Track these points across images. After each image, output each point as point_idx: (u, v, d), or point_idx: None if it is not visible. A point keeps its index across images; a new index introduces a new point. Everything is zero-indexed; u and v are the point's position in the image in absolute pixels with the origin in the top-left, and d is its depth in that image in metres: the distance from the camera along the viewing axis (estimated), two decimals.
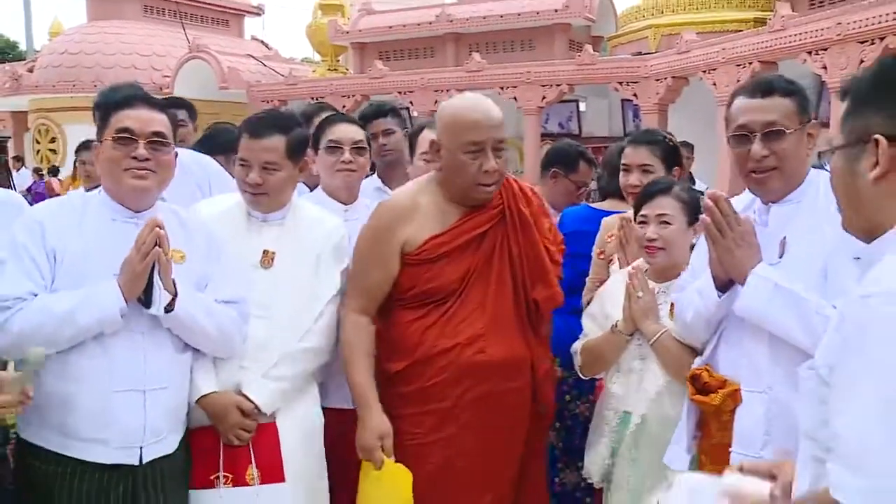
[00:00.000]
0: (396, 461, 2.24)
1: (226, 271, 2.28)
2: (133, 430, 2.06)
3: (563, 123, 11.72)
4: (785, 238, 1.99)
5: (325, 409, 2.46)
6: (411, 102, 11.12)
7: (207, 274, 2.25)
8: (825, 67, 7.03)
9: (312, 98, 11.10)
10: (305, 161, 2.50)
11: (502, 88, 10.52)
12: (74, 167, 7.76)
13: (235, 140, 2.46)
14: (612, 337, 2.43)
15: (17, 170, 14.04)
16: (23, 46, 24.68)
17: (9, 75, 14.43)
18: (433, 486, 2.22)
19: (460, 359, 2.26)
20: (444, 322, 2.29)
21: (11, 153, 15.67)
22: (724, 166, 7.22)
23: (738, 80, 7.20)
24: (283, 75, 13.21)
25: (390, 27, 12.82)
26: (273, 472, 2.26)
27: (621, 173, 2.89)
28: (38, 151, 14.15)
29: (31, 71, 14.53)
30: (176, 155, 2.23)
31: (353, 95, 11.69)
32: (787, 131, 1.97)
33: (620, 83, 9.82)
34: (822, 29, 7.01)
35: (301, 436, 2.35)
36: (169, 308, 2.07)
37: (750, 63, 7.88)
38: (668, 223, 2.38)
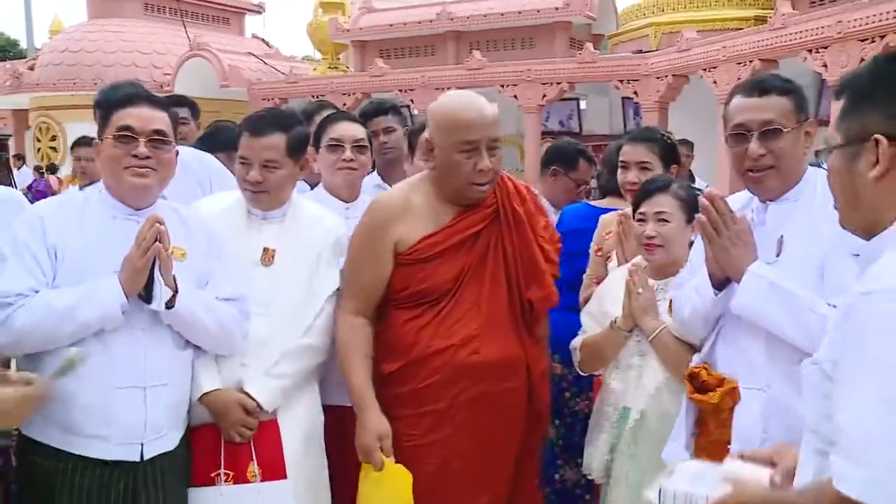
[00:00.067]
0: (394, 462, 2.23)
1: (226, 269, 2.29)
2: (134, 426, 2.06)
3: (564, 121, 11.72)
4: (782, 236, 2.00)
5: (325, 407, 2.47)
6: (412, 100, 11.12)
7: (208, 271, 2.25)
8: (826, 65, 7.03)
9: (313, 96, 11.09)
10: (306, 159, 2.51)
11: (503, 86, 10.52)
12: None
13: (236, 138, 2.47)
14: (611, 333, 2.44)
15: (18, 168, 14.02)
16: (23, 44, 24.68)
17: (10, 73, 14.42)
18: (430, 487, 2.21)
19: (455, 360, 2.25)
20: (439, 322, 2.28)
21: (12, 151, 15.66)
22: (725, 164, 7.21)
23: (739, 79, 7.20)
24: (283, 73, 13.20)
25: (391, 25, 12.81)
26: (274, 470, 2.27)
27: (619, 171, 2.90)
28: (39, 149, 14.14)
29: (31, 69, 14.51)
30: (177, 153, 2.24)
31: (354, 93, 11.69)
32: (784, 130, 1.97)
33: (621, 81, 9.82)
34: (823, 27, 7.01)
35: (302, 433, 2.36)
36: (170, 304, 2.08)
37: (750, 61, 7.88)
38: (666, 221, 2.39)
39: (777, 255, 1.99)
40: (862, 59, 6.56)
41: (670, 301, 2.31)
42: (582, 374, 2.68)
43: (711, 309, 2.06)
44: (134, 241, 2.03)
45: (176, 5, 14.54)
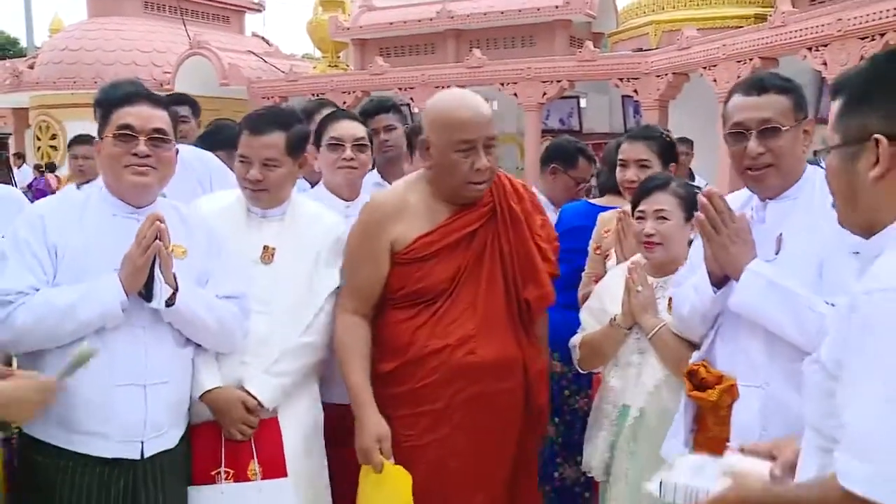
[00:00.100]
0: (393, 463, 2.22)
1: (226, 267, 2.29)
2: (134, 424, 2.07)
3: (564, 120, 11.71)
4: (781, 234, 2.01)
5: (325, 405, 2.47)
6: (412, 99, 11.11)
7: (208, 270, 2.26)
8: (825, 64, 7.03)
9: (313, 94, 11.10)
10: (305, 157, 2.51)
11: (503, 84, 10.52)
12: None
13: (237, 136, 2.47)
14: (610, 331, 2.45)
15: (18, 166, 14.03)
16: (23, 43, 24.66)
17: (9, 72, 14.41)
18: (427, 487, 2.20)
19: (451, 360, 2.24)
20: (435, 322, 2.27)
21: (12, 150, 15.66)
22: (725, 162, 7.21)
23: (739, 77, 7.19)
24: (283, 72, 13.20)
25: (391, 23, 12.80)
26: (275, 468, 2.27)
27: (618, 168, 2.91)
28: (39, 148, 14.14)
29: (31, 68, 14.50)
30: (177, 151, 2.25)
31: (354, 92, 11.69)
32: (783, 129, 1.98)
33: (621, 79, 9.81)
34: (823, 25, 7.00)
35: (302, 431, 2.36)
36: (170, 302, 2.08)
37: (750, 59, 7.87)
38: (665, 219, 2.40)
39: (776, 253, 2.00)
40: (862, 57, 6.56)
41: (669, 299, 2.32)
42: (581, 371, 2.68)
43: (710, 307, 2.06)
44: (134, 240, 2.04)
45: (176, 4, 14.53)
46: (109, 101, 2.25)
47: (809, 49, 7.20)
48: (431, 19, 12.35)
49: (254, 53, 13.98)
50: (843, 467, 1.10)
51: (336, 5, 13.99)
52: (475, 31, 12.25)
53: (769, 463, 1.42)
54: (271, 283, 2.37)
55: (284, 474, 2.28)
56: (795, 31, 7.32)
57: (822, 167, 1.38)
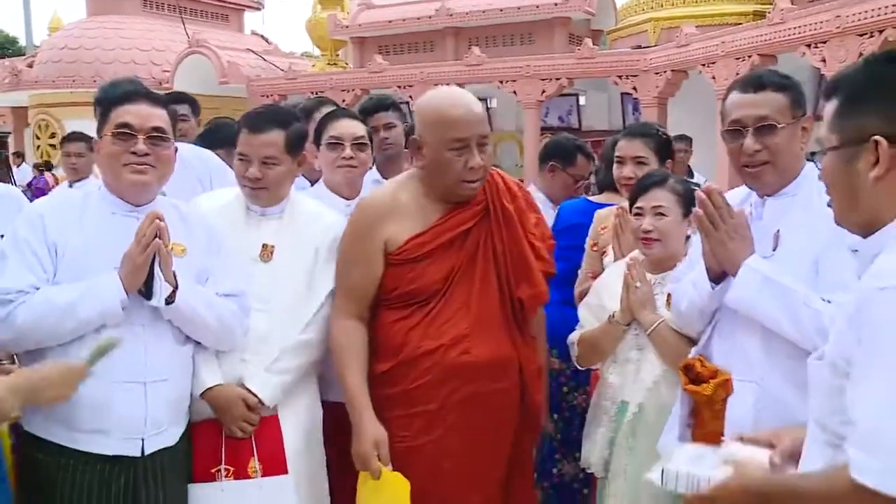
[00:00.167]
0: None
1: (226, 265, 2.30)
2: (134, 421, 2.08)
3: (563, 117, 11.71)
4: (778, 231, 2.01)
5: (323, 403, 2.48)
6: (411, 97, 11.10)
7: (208, 268, 2.26)
8: (824, 60, 7.03)
9: (312, 93, 11.08)
10: (304, 155, 2.52)
11: (502, 82, 10.52)
12: None
13: (236, 135, 2.47)
14: (609, 328, 2.45)
15: (18, 165, 14.04)
16: (22, 42, 24.65)
17: (8, 71, 14.41)
18: (422, 489, 2.18)
19: (445, 360, 2.22)
20: (428, 323, 2.25)
21: (12, 149, 15.67)
22: (724, 160, 7.21)
23: (738, 74, 7.20)
24: (282, 70, 13.20)
25: (390, 21, 12.80)
26: (275, 465, 2.28)
27: (615, 165, 2.91)
28: (39, 147, 14.14)
29: (30, 66, 14.51)
30: (175, 150, 2.25)
31: (353, 90, 11.69)
32: (779, 125, 1.98)
33: (620, 77, 9.81)
34: (821, 22, 7.00)
35: (302, 428, 2.37)
36: (170, 300, 2.09)
37: (749, 56, 7.88)
38: (663, 215, 2.40)
39: (773, 250, 2.01)
40: (860, 54, 6.56)
41: (668, 295, 2.33)
42: (580, 368, 2.68)
43: (708, 302, 2.07)
44: (134, 238, 2.04)
45: (175, 2, 14.53)
46: (109, 99, 2.26)
47: (808, 46, 7.21)
48: (430, 17, 12.35)
49: (253, 52, 13.98)
50: (855, 462, 1.12)
51: (335, 3, 13.97)
52: (474, 29, 12.25)
53: (768, 451, 1.44)
54: (270, 281, 2.38)
55: (285, 471, 2.29)
56: (794, 27, 7.32)
57: (818, 167, 1.38)
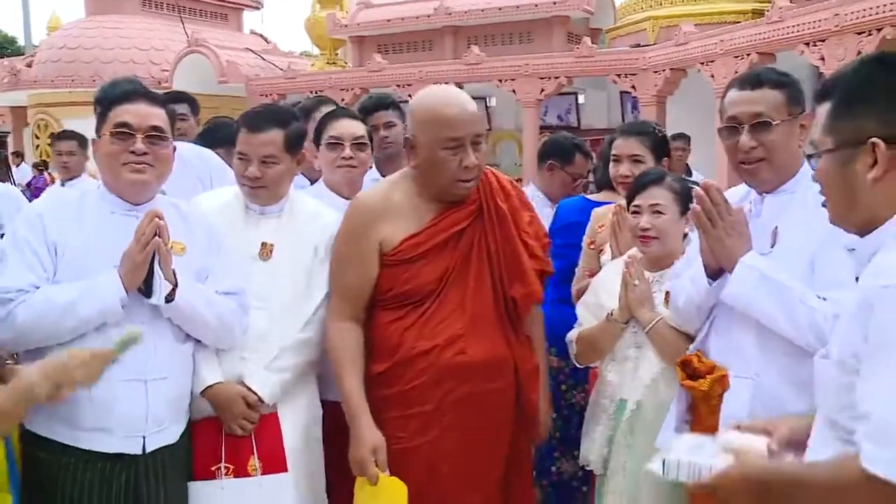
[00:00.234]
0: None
1: (225, 263, 2.30)
2: (136, 419, 2.08)
3: (562, 116, 11.71)
4: (776, 228, 2.02)
5: (323, 402, 2.48)
6: (410, 96, 11.08)
7: (208, 266, 2.27)
8: (823, 59, 7.04)
9: (311, 92, 11.07)
10: (303, 154, 2.52)
11: (501, 81, 10.52)
12: None
13: (235, 134, 2.48)
14: (607, 326, 2.46)
15: (17, 165, 14.03)
16: (21, 41, 24.64)
17: (7, 70, 14.40)
18: (419, 490, 2.18)
19: (440, 360, 2.21)
20: (423, 323, 2.24)
21: (11, 148, 15.66)
22: (722, 158, 7.19)
23: (736, 72, 7.20)
24: (281, 69, 13.19)
25: (389, 20, 12.79)
26: (275, 463, 2.28)
27: (611, 163, 2.92)
28: (38, 147, 14.13)
29: (29, 66, 14.49)
30: (174, 149, 2.26)
31: (352, 89, 11.68)
32: (774, 123, 1.99)
33: (619, 75, 9.81)
34: (820, 20, 7.01)
35: (302, 426, 2.37)
36: (169, 298, 2.09)
37: (748, 55, 7.88)
38: (661, 213, 2.41)
39: (771, 247, 2.01)
40: (859, 52, 6.57)
41: (666, 293, 2.33)
42: (578, 366, 2.69)
43: (705, 298, 2.08)
44: (133, 236, 2.05)
45: (174, 1, 14.51)
46: (107, 99, 2.27)
47: (807, 44, 7.21)
48: (429, 16, 12.34)
49: (252, 51, 13.97)
50: (867, 453, 1.13)
51: (334, 3, 13.95)
52: (473, 28, 12.24)
53: (766, 439, 1.45)
54: (269, 280, 2.38)
55: (284, 469, 2.29)
56: (793, 26, 7.33)
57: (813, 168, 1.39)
